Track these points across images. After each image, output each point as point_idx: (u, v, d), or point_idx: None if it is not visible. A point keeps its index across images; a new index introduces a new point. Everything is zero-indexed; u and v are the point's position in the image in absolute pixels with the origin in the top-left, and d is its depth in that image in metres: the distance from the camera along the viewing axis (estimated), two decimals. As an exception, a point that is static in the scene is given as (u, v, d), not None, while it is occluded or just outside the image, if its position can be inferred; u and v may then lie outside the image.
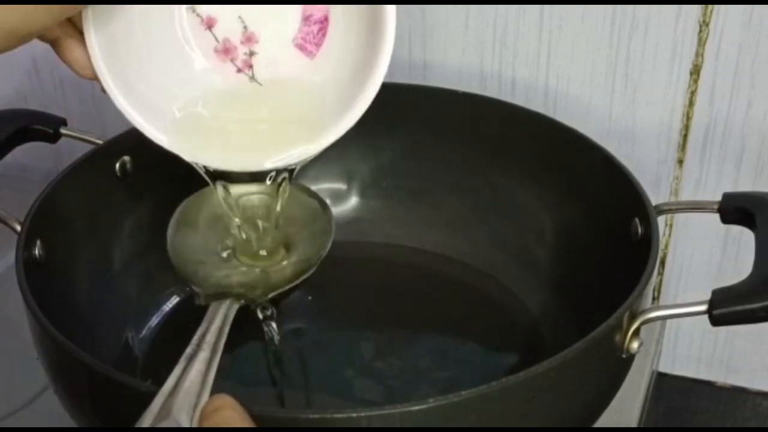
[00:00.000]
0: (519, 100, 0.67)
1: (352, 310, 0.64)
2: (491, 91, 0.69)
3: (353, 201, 0.70)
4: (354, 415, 0.40)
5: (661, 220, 0.55)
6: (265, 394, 0.57)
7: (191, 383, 0.38)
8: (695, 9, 0.63)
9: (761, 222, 0.51)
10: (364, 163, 0.69)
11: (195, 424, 0.36)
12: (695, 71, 0.65)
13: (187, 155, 0.47)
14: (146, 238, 0.62)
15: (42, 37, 0.43)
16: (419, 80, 0.71)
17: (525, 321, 0.63)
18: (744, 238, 0.64)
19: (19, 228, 0.53)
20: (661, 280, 0.72)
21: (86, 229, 0.59)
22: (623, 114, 0.68)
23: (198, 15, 0.47)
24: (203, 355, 0.40)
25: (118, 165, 0.61)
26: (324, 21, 0.47)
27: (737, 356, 0.72)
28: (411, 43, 0.70)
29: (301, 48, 0.47)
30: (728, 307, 0.45)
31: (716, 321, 0.46)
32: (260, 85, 0.48)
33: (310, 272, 0.52)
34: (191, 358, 0.40)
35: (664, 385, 0.73)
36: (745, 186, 0.66)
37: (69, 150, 0.68)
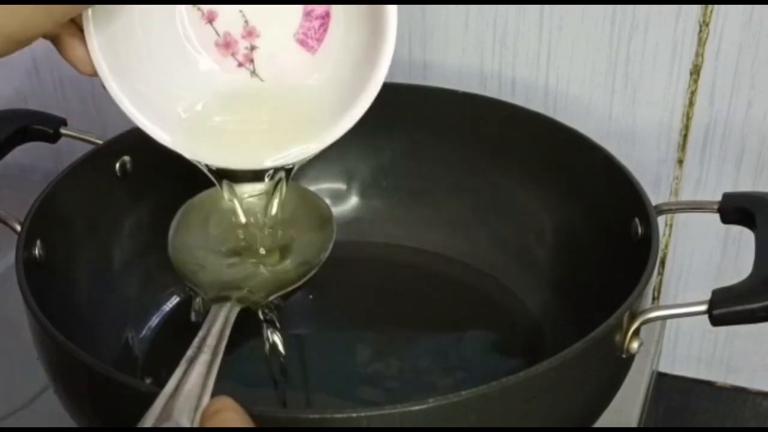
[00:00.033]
0: (519, 100, 0.67)
1: (352, 310, 0.64)
2: (491, 91, 0.69)
3: (353, 201, 0.70)
4: (354, 415, 0.40)
5: (661, 220, 0.55)
6: (265, 394, 0.57)
7: (192, 386, 0.38)
8: (695, 9, 0.63)
9: (761, 222, 0.51)
10: (364, 163, 0.69)
11: (196, 426, 0.36)
12: (695, 71, 0.65)
13: (189, 153, 0.47)
14: (146, 238, 0.62)
15: (43, 35, 0.43)
16: (419, 80, 0.71)
17: (525, 321, 0.63)
18: (744, 238, 0.64)
19: (19, 228, 0.53)
20: (661, 280, 0.72)
21: (86, 229, 0.59)
22: (623, 114, 0.68)
23: (199, 9, 0.47)
24: (204, 358, 0.40)
25: (118, 165, 0.61)
26: (325, 17, 0.47)
27: (737, 356, 0.72)
28: (411, 43, 0.70)
29: (303, 43, 0.47)
30: (728, 307, 0.45)
31: (716, 321, 0.46)
32: (261, 80, 0.48)
33: (311, 274, 0.52)
34: (192, 361, 0.40)
35: (664, 385, 0.73)
36: (745, 186, 0.66)
37: (69, 150, 0.68)
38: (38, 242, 0.53)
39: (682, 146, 0.67)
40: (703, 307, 0.46)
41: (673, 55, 0.64)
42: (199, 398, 0.38)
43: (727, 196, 0.53)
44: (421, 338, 0.62)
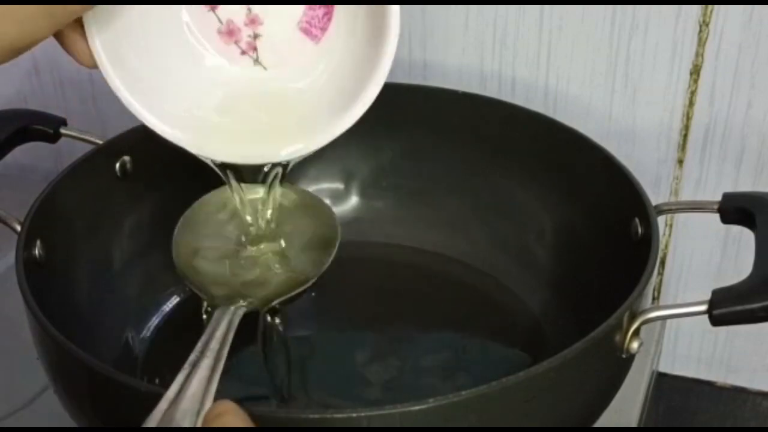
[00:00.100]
0: (519, 100, 0.67)
1: (352, 310, 0.64)
2: (491, 91, 0.69)
3: (353, 201, 0.70)
4: (354, 415, 0.40)
5: (661, 220, 0.55)
6: (265, 394, 0.57)
7: (195, 390, 0.38)
8: (695, 9, 0.63)
9: (761, 222, 0.51)
10: (364, 163, 0.69)
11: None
12: (695, 71, 0.65)
13: (193, 147, 0.47)
14: (146, 238, 0.62)
15: (43, 40, 0.42)
16: (419, 80, 0.71)
17: (525, 321, 0.63)
18: (744, 238, 0.64)
19: (19, 228, 0.53)
20: (661, 280, 0.72)
21: (86, 229, 0.59)
22: (623, 114, 0.68)
23: None
24: (207, 362, 0.40)
25: (118, 165, 0.61)
26: (329, 6, 0.47)
27: (737, 356, 0.72)
28: (411, 43, 0.70)
29: (306, 32, 0.47)
30: (728, 307, 0.45)
31: (716, 321, 0.46)
32: (265, 69, 0.48)
33: (314, 280, 0.52)
34: (195, 365, 0.40)
35: (664, 385, 0.73)
36: (745, 186, 0.66)
37: (69, 150, 0.68)
38: (38, 242, 0.53)
39: (682, 146, 0.67)
40: (703, 307, 0.46)
41: (673, 55, 0.64)
42: (202, 402, 0.38)
43: (727, 196, 0.53)
44: (421, 338, 0.62)
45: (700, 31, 0.63)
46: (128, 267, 0.62)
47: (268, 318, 0.53)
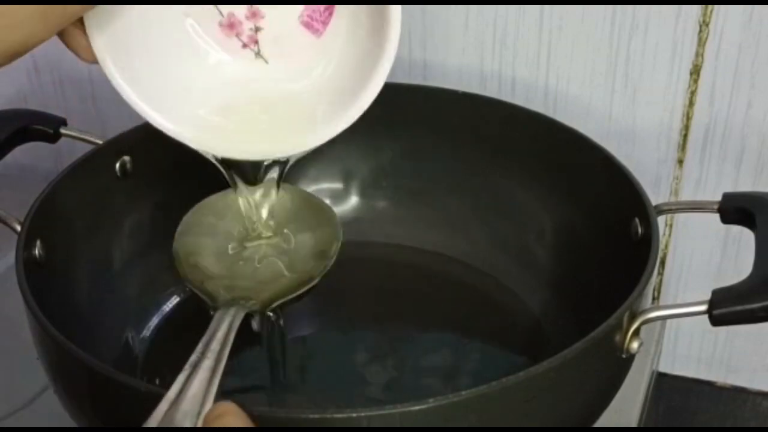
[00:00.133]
0: (519, 100, 0.67)
1: (352, 310, 0.64)
2: (491, 91, 0.69)
3: (353, 201, 0.70)
4: (354, 415, 0.40)
5: (661, 220, 0.55)
6: (265, 394, 0.57)
7: (195, 391, 0.38)
8: (695, 9, 0.63)
9: (761, 222, 0.51)
10: (364, 163, 0.69)
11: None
12: (695, 71, 0.65)
13: (195, 144, 0.47)
14: (146, 238, 0.62)
15: (41, 43, 0.42)
16: (419, 80, 0.71)
17: (525, 321, 0.63)
18: (744, 238, 0.64)
19: (19, 228, 0.53)
20: (661, 280, 0.72)
21: (86, 229, 0.59)
22: (623, 114, 0.68)
23: None
24: (207, 363, 0.40)
25: (118, 165, 0.61)
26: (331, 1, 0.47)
27: (737, 356, 0.72)
28: (411, 43, 0.70)
29: (308, 26, 0.47)
30: (728, 307, 0.45)
31: (716, 321, 0.46)
32: (266, 62, 0.48)
33: (316, 281, 0.52)
34: (196, 366, 0.40)
35: (664, 385, 0.73)
36: (745, 186, 0.66)
37: (69, 150, 0.68)
38: (38, 242, 0.53)
39: (682, 146, 0.67)
40: (703, 307, 0.46)
41: (673, 55, 0.64)
42: (202, 404, 0.38)
43: (727, 196, 0.53)
44: (421, 338, 0.62)
45: (700, 31, 0.63)
46: (128, 267, 0.62)
47: (269, 318, 0.53)
